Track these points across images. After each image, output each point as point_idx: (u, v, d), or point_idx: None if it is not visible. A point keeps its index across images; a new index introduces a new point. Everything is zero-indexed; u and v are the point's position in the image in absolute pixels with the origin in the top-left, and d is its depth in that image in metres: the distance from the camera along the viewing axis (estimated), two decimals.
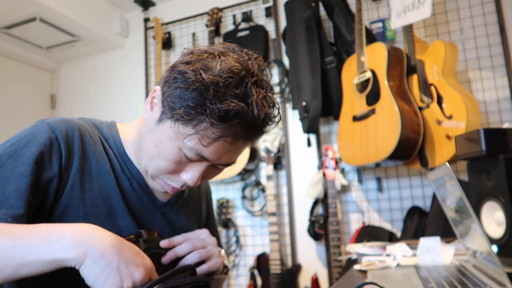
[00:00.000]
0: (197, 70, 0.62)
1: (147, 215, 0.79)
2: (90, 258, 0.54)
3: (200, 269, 0.74)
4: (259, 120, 0.64)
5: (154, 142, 0.68)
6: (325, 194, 2.13)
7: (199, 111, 0.62)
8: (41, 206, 0.67)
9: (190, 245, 0.75)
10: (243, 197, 2.48)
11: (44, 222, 0.62)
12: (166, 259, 0.73)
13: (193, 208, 0.93)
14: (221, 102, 0.61)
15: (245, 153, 2.30)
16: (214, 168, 0.72)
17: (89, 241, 0.56)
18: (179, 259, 0.75)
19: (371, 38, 2.12)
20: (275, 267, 2.20)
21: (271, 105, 0.67)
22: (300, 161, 2.42)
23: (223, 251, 0.85)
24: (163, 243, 0.74)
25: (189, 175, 0.69)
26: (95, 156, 0.73)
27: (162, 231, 0.79)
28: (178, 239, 0.75)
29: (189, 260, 0.74)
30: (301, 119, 2.23)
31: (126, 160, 0.78)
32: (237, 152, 0.70)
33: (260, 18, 2.61)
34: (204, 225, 0.97)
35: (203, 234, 0.79)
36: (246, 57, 0.66)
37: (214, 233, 1.02)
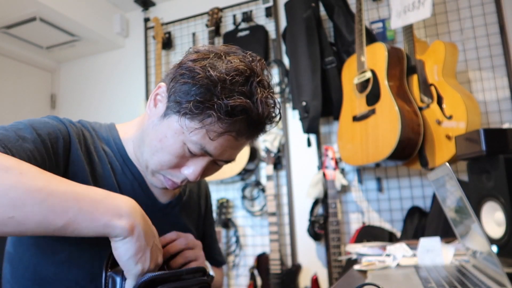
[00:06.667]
0: (205, 68, 0.65)
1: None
2: (135, 235, 0.55)
3: None
4: (263, 118, 0.67)
5: (158, 136, 0.69)
6: (325, 194, 2.13)
7: (207, 105, 0.63)
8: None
9: (184, 241, 0.75)
10: (243, 197, 2.48)
11: None
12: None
13: (193, 209, 0.93)
14: (228, 98, 0.63)
15: (245, 153, 2.30)
16: (214, 164, 0.73)
17: (138, 217, 0.57)
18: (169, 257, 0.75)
19: (371, 38, 2.12)
20: (275, 267, 2.20)
21: (273, 104, 0.70)
22: (300, 161, 2.42)
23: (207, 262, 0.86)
24: None
25: (191, 170, 0.70)
26: (96, 158, 0.74)
27: (163, 232, 0.79)
28: (170, 236, 0.75)
29: (178, 260, 0.74)
30: (301, 119, 2.23)
31: (127, 161, 0.78)
32: (238, 148, 0.72)
33: (260, 18, 2.61)
34: (201, 225, 0.98)
35: (191, 235, 0.79)
36: (250, 59, 0.68)
37: (212, 234, 1.03)
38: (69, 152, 0.69)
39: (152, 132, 0.70)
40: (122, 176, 0.76)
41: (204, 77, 0.64)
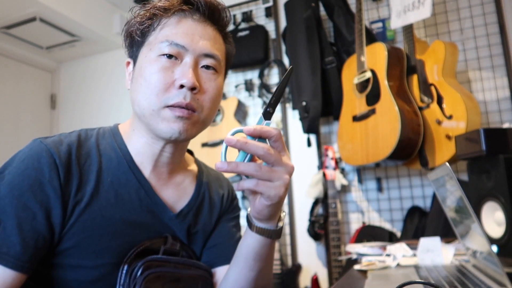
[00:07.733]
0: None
1: (155, 228, 0.76)
2: None
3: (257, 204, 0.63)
4: None
5: (139, 77, 0.71)
6: (325, 194, 2.13)
7: (147, 9, 0.72)
8: (49, 233, 0.66)
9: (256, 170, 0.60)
10: (243, 197, 2.48)
11: (51, 249, 0.67)
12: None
13: (214, 207, 0.90)
14: None
15: None
16: (205, 71, 0.72)
17: None
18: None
19: (371, 38, 2.12)
20: (275, 267, 2.20)
21: None
22: (300, 161, 2.42)
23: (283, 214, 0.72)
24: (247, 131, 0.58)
25: (181, 75, 0.68)
26: (96, 175, 0.71)
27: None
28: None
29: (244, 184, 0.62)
30: (301, 119, 2.23)
31: (134, 169, 0.75)
32: (209, 37, 0.72)
33: (260, 18, 2.61)
34: (219, 222, 0.93)
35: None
36: None
37: (229, 232, 0.96)
38: (65, 186, 0.67)
39: (135, 84, 0.72)
40: (126, 189, 0.73)
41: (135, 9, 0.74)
